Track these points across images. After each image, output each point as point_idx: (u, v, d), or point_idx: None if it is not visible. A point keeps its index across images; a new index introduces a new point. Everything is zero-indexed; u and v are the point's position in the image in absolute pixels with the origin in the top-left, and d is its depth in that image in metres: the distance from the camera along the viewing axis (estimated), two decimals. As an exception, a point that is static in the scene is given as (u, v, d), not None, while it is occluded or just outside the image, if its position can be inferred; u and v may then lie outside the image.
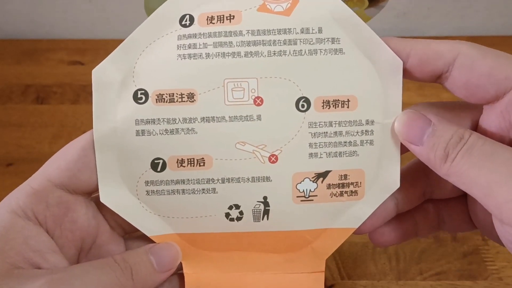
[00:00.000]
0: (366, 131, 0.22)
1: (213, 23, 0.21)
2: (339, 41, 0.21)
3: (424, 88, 0.51)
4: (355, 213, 0.23)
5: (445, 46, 0.21)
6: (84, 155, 0.22)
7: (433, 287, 0.34)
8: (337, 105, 0.22)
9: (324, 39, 0.21)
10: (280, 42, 0.21)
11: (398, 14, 0.57)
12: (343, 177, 0.22)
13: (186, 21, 0.22)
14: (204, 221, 0.23)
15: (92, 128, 0.22)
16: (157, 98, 0.22)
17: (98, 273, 0.20)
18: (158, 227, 0.23)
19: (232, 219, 0.23)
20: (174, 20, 0.22)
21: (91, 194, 0.23)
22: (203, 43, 0.21)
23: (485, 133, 0.21)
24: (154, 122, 0.22)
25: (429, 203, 0.26)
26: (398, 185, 0.23)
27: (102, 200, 0.22)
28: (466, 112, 0.22)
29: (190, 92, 0.21)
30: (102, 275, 0.20)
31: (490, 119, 0.21)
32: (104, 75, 0.22)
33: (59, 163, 0.22)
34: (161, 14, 0.22)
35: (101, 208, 0.23)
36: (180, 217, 0.23)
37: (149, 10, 0.32)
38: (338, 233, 0.23)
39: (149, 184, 0.22)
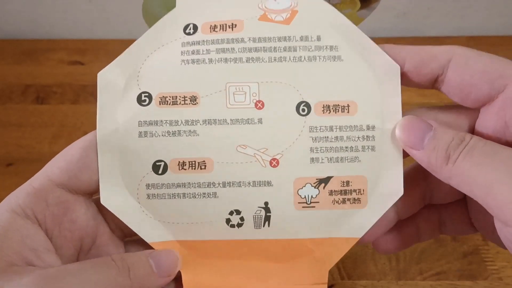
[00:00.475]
0: (367, 136, 0.22)
1: (216, 31, 0.22)
2: (337, 48, 0.22)
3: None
4: (359, 222, 0.22)
5: (440, 49, 0.21)
6: (85, 155, 0.22)
7: (433, 287, 0.34)
8: (337, 110, 0.22)
9: (323, 47, 0.22)
10: (281, 49, 0.22)
11: (398, 14, 0.57)
12: (345, 183, 0.22)
13: (190, 29, 0.23)
14: (204, 228, 0.22)
15: (92, 128, 0.22)
16: (160, 100, 0.22)
17: (93, 271, 0.19)
18: (158, 234, 0.22)
19: (232, 226, 0.22)
20: (178, 29, 0.23)
21: (92, 195, 0.23)
22: (206, 49, 0.22)
23: (481, 135, 0.21)
24: (156, 124, 0.22)
25: (429, 207, 0.25)
26: (401, 192, 0.22)
27: (102, 202, 0.22)
28: (464, 115, 0.22)
29: (193, 95, 0.22)
30: (97, 273, 0.19)
31: (486, 120, 0.21)
32: (109, 78, 0.22)
33: (60, 163, 0.22)
34: (165, 22, 0.23)
35: (102, 209, 0.23)
36: (180, 223, 0.22)
37: (148, 15, 0.32)
38: (341, 243, 0.22)
39: (150, 188, 0.22)
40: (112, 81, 0.22)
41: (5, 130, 0.48)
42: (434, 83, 0.22)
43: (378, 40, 0.59)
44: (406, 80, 0.22)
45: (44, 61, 0.56)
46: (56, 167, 0.22)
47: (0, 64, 0.55)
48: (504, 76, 0.20)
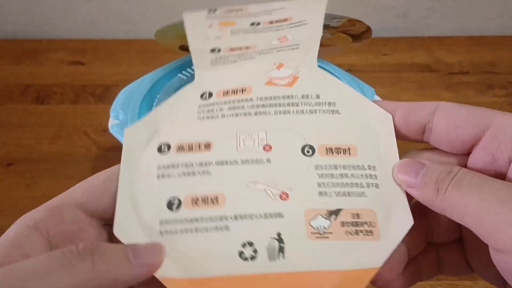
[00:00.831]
0: (370, 175, 0.23)
1: (228, 95, 0.27)
2: (335, 104, 0.26)
3: (425, 89, 0.51)
4: (375, 253, 0.22)
5: (427, 102, 0.24)
6: (108, 182, 0.23)
7: (433, 287, 0.34)
8: (339, 152, 0.24)
9: (322, 103, 0.26)
10: (285, 104, 0.26)
11: (398, 14, 0.57)
12: (355, 215, 0.23)
13: (205, 96, 0.27)
14: (216, 262, 0.22)
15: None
16: (178, 148, 0.25)
17: (46, 256, 0.18)
18: (168, 270, 0.22)
19: (246, 259, 0.22)
20: (196, 96, 0.27)
21: (106, 222, 0.23)
22: (220, 108, 0.26)
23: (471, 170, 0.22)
24: (173, 167, 0.24)
25: (429, 247, 0.26)
26: (412, 222, 0.22)
27: (115, 232, 0.22)
28: (456, 155, 0.24)
29: (207, 143, 0.25)
30: (50, 257, 0.18)
31: (475, 157, 0.23)
32: (135, 132, 0.26)
33: (83, 186, 0.23)
34: (185, 92, 0.27)
35: (112, 237, 0.23)
36: (191, 258, 0.22)
37: (161, 40, 0.36)
38: (359, 275, 0.22)
39: (163, 224, 0.23)
40: (137, 134, 0.25)
41: (5, 130, 0.48)
42: (423, 134, 0.24)
43: (378, 40, 0.60)
44: (396, 131, 0.24)
45: (44, 61, 0.56)
46: (79, 188, 0.23)
47: (0, 64, 0.55)
48: (486, 117, 0.22)
